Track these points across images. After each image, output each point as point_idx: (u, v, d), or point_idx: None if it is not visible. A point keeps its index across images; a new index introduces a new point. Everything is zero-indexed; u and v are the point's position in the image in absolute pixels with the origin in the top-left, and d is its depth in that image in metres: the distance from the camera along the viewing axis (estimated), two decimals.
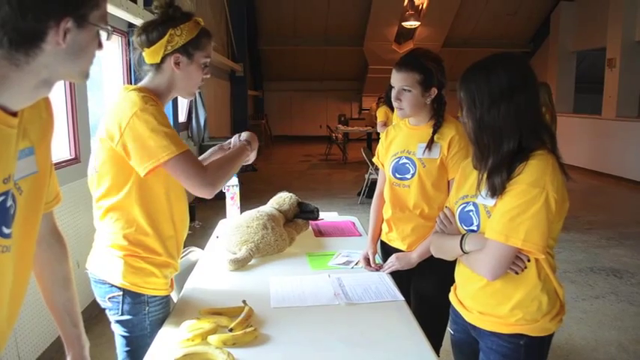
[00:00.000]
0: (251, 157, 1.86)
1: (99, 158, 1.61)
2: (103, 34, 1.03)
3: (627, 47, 9.45)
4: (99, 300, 1.70)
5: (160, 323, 1.69)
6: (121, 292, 1.64)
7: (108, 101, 4.40)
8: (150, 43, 1.61)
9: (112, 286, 1.64)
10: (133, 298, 1.64)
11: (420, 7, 12.32)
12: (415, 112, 2.08)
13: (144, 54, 1.64)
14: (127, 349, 1.68)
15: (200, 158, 1.96)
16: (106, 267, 1.65)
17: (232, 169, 1.70)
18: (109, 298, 1.65)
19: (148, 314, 1.67)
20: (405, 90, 2.02)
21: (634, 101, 9.70)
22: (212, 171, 1.61)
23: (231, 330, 1.55)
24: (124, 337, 1.68)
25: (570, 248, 5.30)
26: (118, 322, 1.67)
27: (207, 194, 1.61)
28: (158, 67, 1.65)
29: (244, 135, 1.86)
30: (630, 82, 9.54)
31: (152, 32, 1.61)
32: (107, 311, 1.69)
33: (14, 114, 0.95)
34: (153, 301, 1.68)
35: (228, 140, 1.93)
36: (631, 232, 5.99)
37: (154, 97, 1.61)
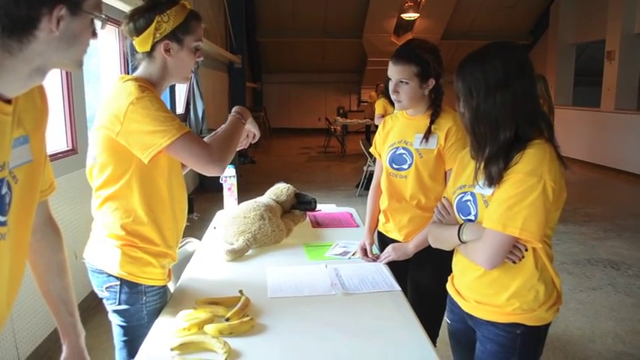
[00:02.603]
0: (256, 132, 1.86)
1: (98, 148, 1.60)
2: (98, 23, 1.02)
3: (626, 40, 9.42)
4: (96, 290, 1.70)
5: (156, 313, 1.69)
6: (118, 282, 1.64)
7: (105, 92, 4.39)
8: (138, 32, 1.59)
9: (110, 275, 1.64)
10: (130, 288, 1.64)
11: None
12: (413, 104, 2.07)
13: (134, 43, 1.62)
14: (124, 338, 1.69)
15: None
16: (103, 257, 1.65)
17: (234, 142, 1.70)
18: (107, 287, 1.65)
19: (145, 304, 1.68)
20: (402, 82, 2.01)
21: (633, 94, 9.69)
22: (217, 147, 1.60)
23: (227, 319, 1.55)
24: (121, 326, 1.68)
25: (568, 240, 5.31)
26: (115, 311, 1.67)
27: (217, 171, 1.60)
28: (149, 55, 1.63)
29: (234, 108, 1.81)
30: (629, 74, 9.53)
31: (139, 20, 1.59)
32: (104, 301, 1.69)
33: (8, 101, 0.95)
34: (150, 291, 1.68)
35: (222, 127, 1.92)
36: (628, 224, 6.00)
37: (149, 86, 1.60)
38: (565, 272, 4.41)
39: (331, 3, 12.50)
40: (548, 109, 5.46)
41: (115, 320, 1.69)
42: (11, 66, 0.91)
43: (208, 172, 1.60)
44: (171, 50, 1.62)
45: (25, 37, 0.90)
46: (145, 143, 1.51)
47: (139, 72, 1.67)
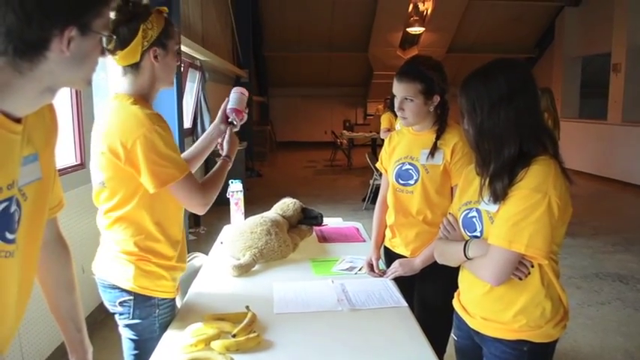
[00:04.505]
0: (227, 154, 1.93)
1: (106, 173, 1.61)
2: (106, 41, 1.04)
3: (632, 52, 9.43)
4: (108, 305, 1.70)
5: (167, 326, 1.71)
6: (132, 297, 1.65)
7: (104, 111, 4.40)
8: (123, 44, 1.57)
9: (123, 290, 1.65)
10: (144, 302, 1.66)
11: (425, 12, 12.33)
12: (419, 121, 2.08)
13: (116, 58, 1.60)
14: (135, 352, 1.69)
15: (186, 153, 2.06)
16: (116, 272, 1.66)
17: (221, 184, 1.79)
18: (120, 302, 1.66)
19: (157, 317, 1.69)
20: (407, 100, 2.02)
21: (639, 106, 9.66)
22: (208, 191, 1.70)
23: (234, 336, 1.55)
24: (132, 340, 1.69)
25: (576, 254, 5.27)
26: (127, 325, 1.68)
27: (202, 211, 1.71)
28: (137, 66, 1.62)
29: (225, 149, 1.93)
30: (636, 86, 9.51)
31: (122, 31, 1.56)
32: (117, 316, 1.70)
33: (18, 120, 0.96)
34: (162, 303, 1.70)
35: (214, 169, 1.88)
36: (637, 237, 5.95)
37: (144, 101, 1.62)
38: (573, 287, 4.38)
39: (337, 17, 12.58)
40: (553, 123, 5.46)
41: (127, 334, 1.69)
42: (21, 85, 0.93)
43: (196, 212, 1.72)
44: (158, 56, 1.63)
45: (36, 57, 0.91)
46: (151, 177, 1.55)
47: (128, 88, 1.65)
